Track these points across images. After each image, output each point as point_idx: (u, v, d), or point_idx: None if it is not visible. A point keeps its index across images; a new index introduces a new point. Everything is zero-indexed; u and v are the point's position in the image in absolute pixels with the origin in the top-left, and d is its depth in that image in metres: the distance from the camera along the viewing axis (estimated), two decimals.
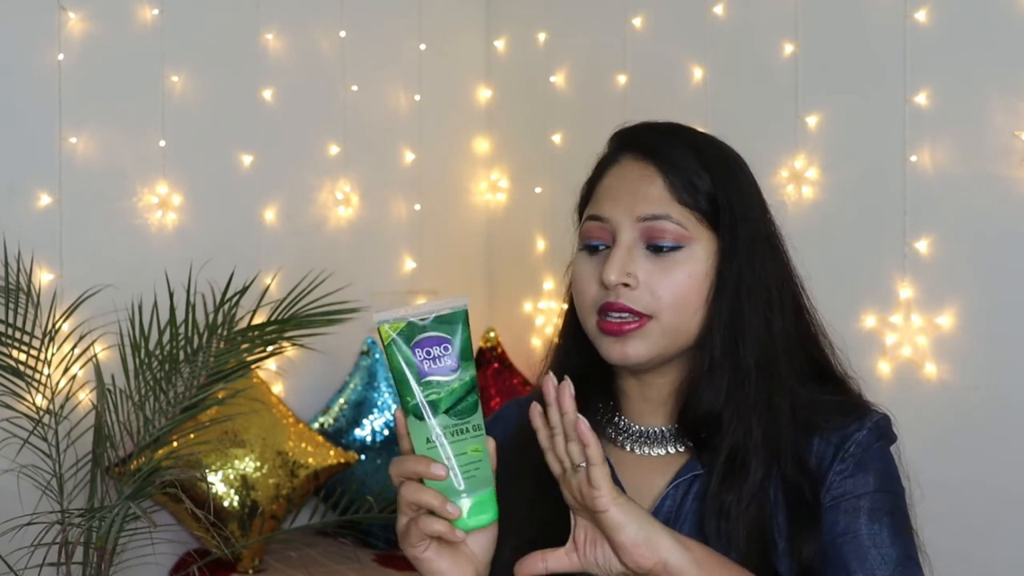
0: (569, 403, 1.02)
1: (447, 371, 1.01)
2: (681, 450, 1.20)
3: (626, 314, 1.15)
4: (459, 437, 1.01)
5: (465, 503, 1.02)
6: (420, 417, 1.00)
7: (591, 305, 1.18)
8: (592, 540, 1.06)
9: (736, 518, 1.12)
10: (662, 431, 1.22)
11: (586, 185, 1.26)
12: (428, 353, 1.00)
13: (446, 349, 1.01)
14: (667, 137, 1.21)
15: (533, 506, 1.17)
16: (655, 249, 1.16)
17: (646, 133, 1.23)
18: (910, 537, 1.15)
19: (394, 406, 3.32)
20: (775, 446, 1.14)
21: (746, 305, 1.16)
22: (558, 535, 1.13)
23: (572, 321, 1.26)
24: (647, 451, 1.22)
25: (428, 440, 1.00)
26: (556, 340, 1.29)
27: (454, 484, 1.01)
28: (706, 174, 1.18)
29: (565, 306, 1.29)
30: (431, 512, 1.03)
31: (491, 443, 1.06)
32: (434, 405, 1.00)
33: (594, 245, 1.19)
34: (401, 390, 1.01)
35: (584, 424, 1.01)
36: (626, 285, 1.15)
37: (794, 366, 1.19)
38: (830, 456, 1.15)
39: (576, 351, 1.25)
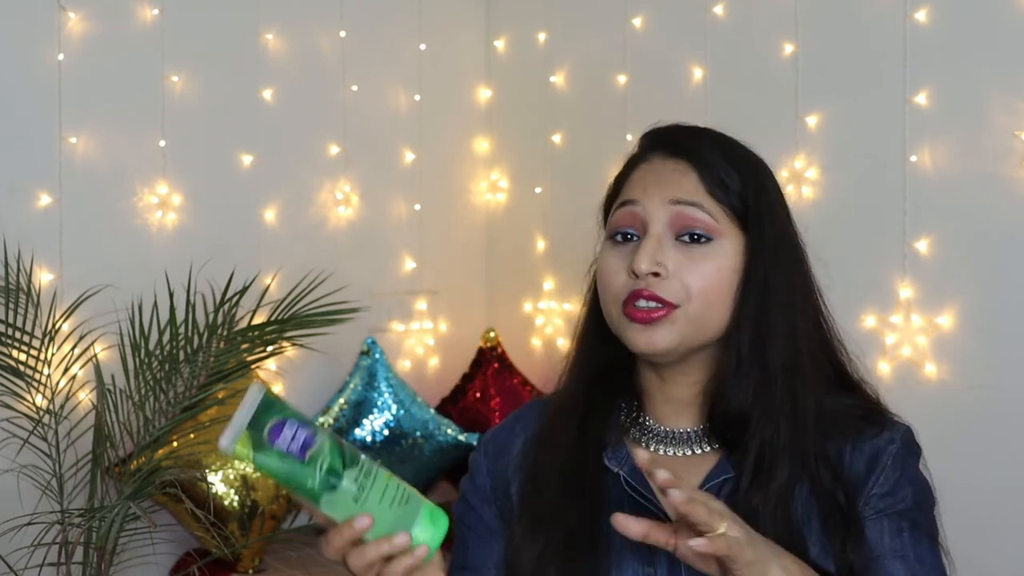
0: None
1: (311, 440, 0.98)
2: (708, 450, 1.20)
3: (654, 303, 1.15)
4: (368, 479, 0.99)
5: (419, 526, 1.00)
6: (332, 488, 0.97)
7: (617, 294, 1.18)
8: (695, 554, 1.02)
9: (764, 519, 1.12)
10: (688, 432, 1.21)
11: (614, 182, 1.26)
12: (284, 438, 0.98)
13: (291, 427, 0.98)
14: (698, 137, 1.23)
15: (560, 504, 1.17)
16: (685, 240, 1.16)
17: (677, 132, 1.24)
18: (942, 552, 1.18)
19: (394, 404, 3.32)
20: (801, 448, 1.15)
21: (772, 306, 1.17)
22: (586, 534, 1.13)
23: (593, 321, 1.26)
24: (675, 452, 1.21)
25: (356, 500, 0.98)
26: (576, 342, 1.29)
27: (398, 519, 0.99)
28: (736, 175, 1.19)
29: (581, 308, 1.29)
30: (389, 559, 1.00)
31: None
32: (332, 471, 0.98)
33: (624, 233, 1.19)
34: (298, 485, 0.98)
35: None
36: (656, 275, 1.15)
37: (817, 370, 1.19)
38: (865, 468, 1.16)
39: (598, 352, 1.25)
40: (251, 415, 0.98)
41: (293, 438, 0.97)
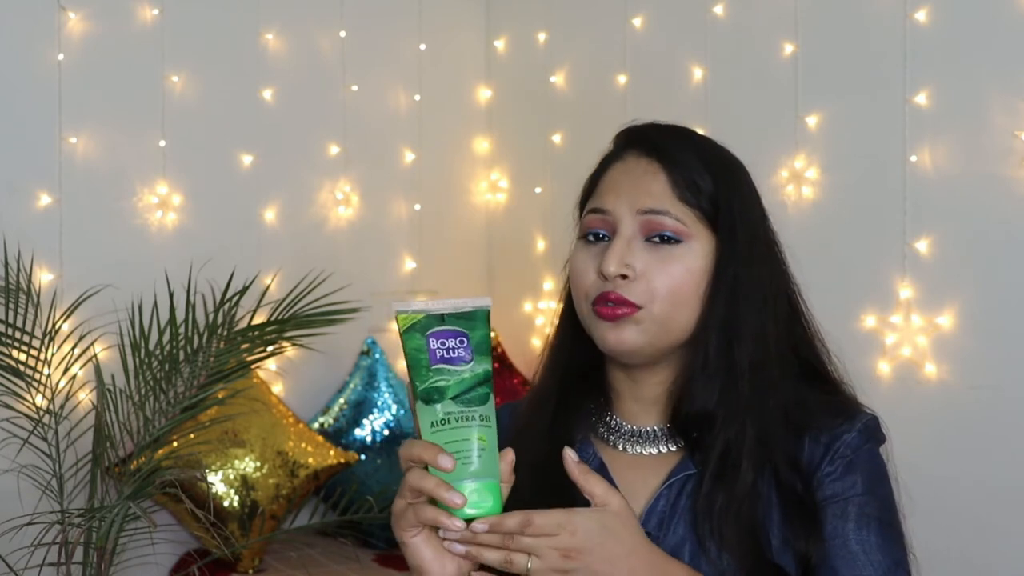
0: None
1: (459, 361, 1.02)
2: (673, 449, 1.21)
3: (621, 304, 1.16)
4: (462, 424, 1.01)
5: (465, 489, 1.01)
6: (428, 402, 1.02)
7: (587, 293, 1.19)
8: None
9: (729, 518, 1.13)
10: (654, 430, 1.22)
11: (589, 180, 1.27)
12: (442, 344, 1.02)
13: (461, 342, 1.02)
14: (672, 136, 1.23)
15: (531, 500, 1.17)
16: (654, 241, 1.17)
17: (652, 131, 1.24)
18: (899, 542, 1.16)
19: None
20: (767, 448, 1.15)
21: (742, 306, 1.17)
22: None
23: (567, 319, 1.27)
24: (640, 450, 1.22)
25: (432, 424, 1.01)
26: (552, 338, 1.30)
27: (453, 472, 1.01)
28: (708, 175, 1.19)
29: (560, 305, 1.30)
30: (431, 500, 1.02)
31: (510, 451, 1.05)
32: (440, 391, 1.01)
33: (595, 233, 1.20)
34: (412, 375, 1.02)
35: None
36: (624, 277, 1.16)
37: (787, 370, 1.19)
38: (819, 456, 1.16)
39: (572, 349, 1.26)
40: (452, 310, 1.02)
41: (447, 348, 1.02)
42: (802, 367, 1.22)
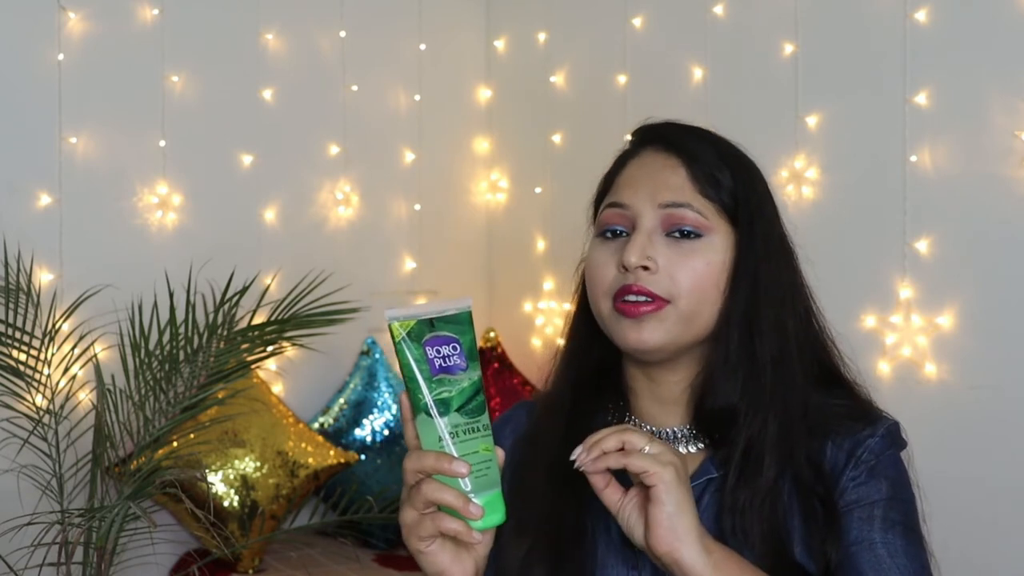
0: (607, 443, 1.04)
1: (457, 370, 1.00)
2: (693, 451, 1.20)
3: (644, 297, 1.14)
4: (470, 436, 1.01)
5: (477, 500, 1.01)
6: (431, 415, 1.00)
7: (607, 289, 1.17)
8: (637, 503, 1.06)
9: (751, 515, 1.12)
10: (674, 431, 1.21)
11: (604, 178, 1.26)
12: (438, 352, 1.00)
13: (455, 348, 1.01)
14: (690, 133, 1.23)
15: (547, 505, 1.17)
16: (675, 236, 1.16)
17: (669, 128, 1.24)
18: (922, 546, 1.16)
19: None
20: (788, 445, 1.14)
21: (762, 301, 1.17)
22: (573, 532, 1.12)
23: (582, 319, 1.25)
24: None
25: (440, 439, 1.00)
26: (565, 340, 1.28)
27: (461, 484, 1.00)
28: (728, 171, 1.19)
29: (570, 307, 1.29)
30: (442, 509, 1.01)
31: (499, 449, 1.05)
32: (445, 403, 1.00)
33: (613, 230, 1.19)
34: (411, 388, 1.00)
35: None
36: (646, 269, 1.15)
37: (806, 368, 1.19)
38: (843, 461, 1.15)
39: (587, 351, 1.25)
40: (438, 314, 1.01)
41: (443, 357, 1.00)
42: (821, 370, 1.21)
